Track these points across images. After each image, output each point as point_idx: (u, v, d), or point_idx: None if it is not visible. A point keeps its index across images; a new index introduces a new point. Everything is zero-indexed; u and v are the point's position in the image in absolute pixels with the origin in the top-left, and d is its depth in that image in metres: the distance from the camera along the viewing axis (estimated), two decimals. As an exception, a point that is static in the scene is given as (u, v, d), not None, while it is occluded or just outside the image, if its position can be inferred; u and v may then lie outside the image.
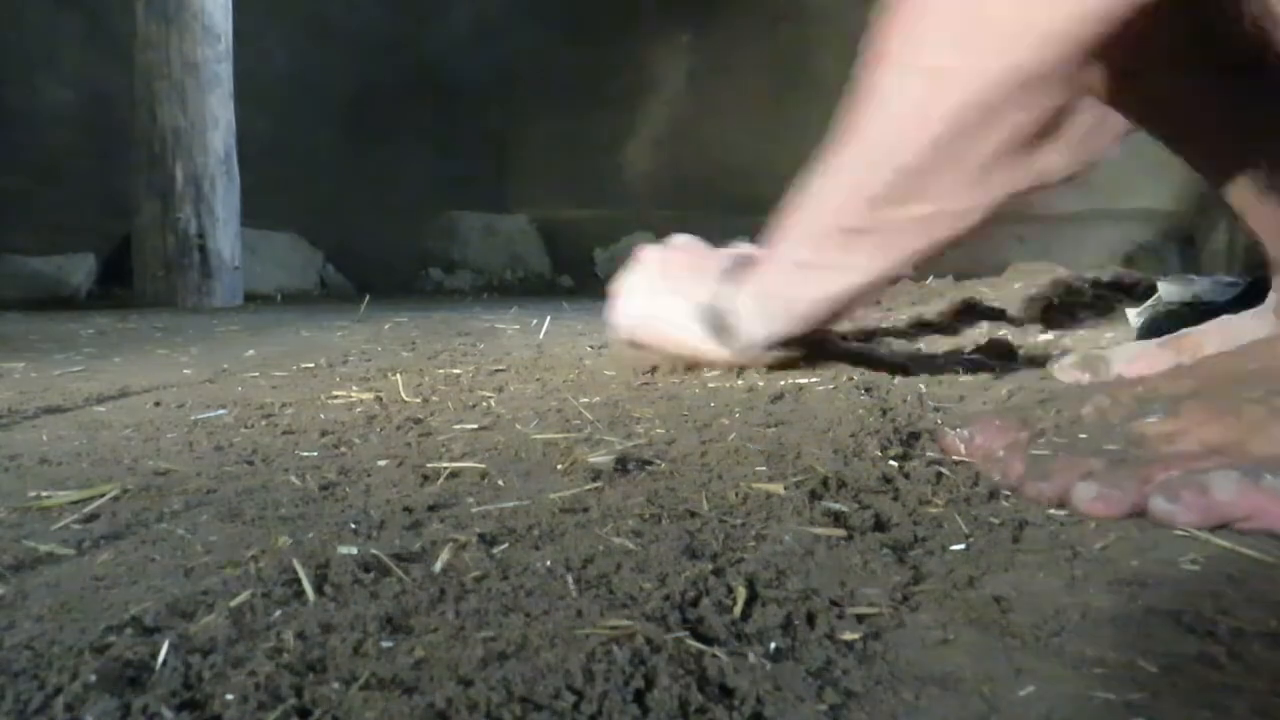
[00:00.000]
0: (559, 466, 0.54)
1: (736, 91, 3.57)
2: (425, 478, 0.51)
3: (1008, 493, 0.52)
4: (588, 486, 0.49)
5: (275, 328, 1.61)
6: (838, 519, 0.46)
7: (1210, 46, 0.63)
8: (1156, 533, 0.46)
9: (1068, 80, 0.67)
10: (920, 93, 0.71)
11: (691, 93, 3.74)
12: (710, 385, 0.81)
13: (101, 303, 2.36)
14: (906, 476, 0.53)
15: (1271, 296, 0.79)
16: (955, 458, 0.56)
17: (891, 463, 0.55)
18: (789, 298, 0.82)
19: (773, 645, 0.32)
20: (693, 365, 0.87)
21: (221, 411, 0.71)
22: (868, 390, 0.77)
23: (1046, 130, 0.70)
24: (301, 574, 0.35)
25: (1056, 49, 0.64)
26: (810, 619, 0.35)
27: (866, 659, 0.33)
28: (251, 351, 1.21)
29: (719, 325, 0.84)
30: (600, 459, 0.53)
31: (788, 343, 0.84)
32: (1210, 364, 0.58)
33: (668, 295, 0.87)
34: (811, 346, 0.87)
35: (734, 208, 3.59)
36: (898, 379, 0.83)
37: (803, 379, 0.82)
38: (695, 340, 0.85)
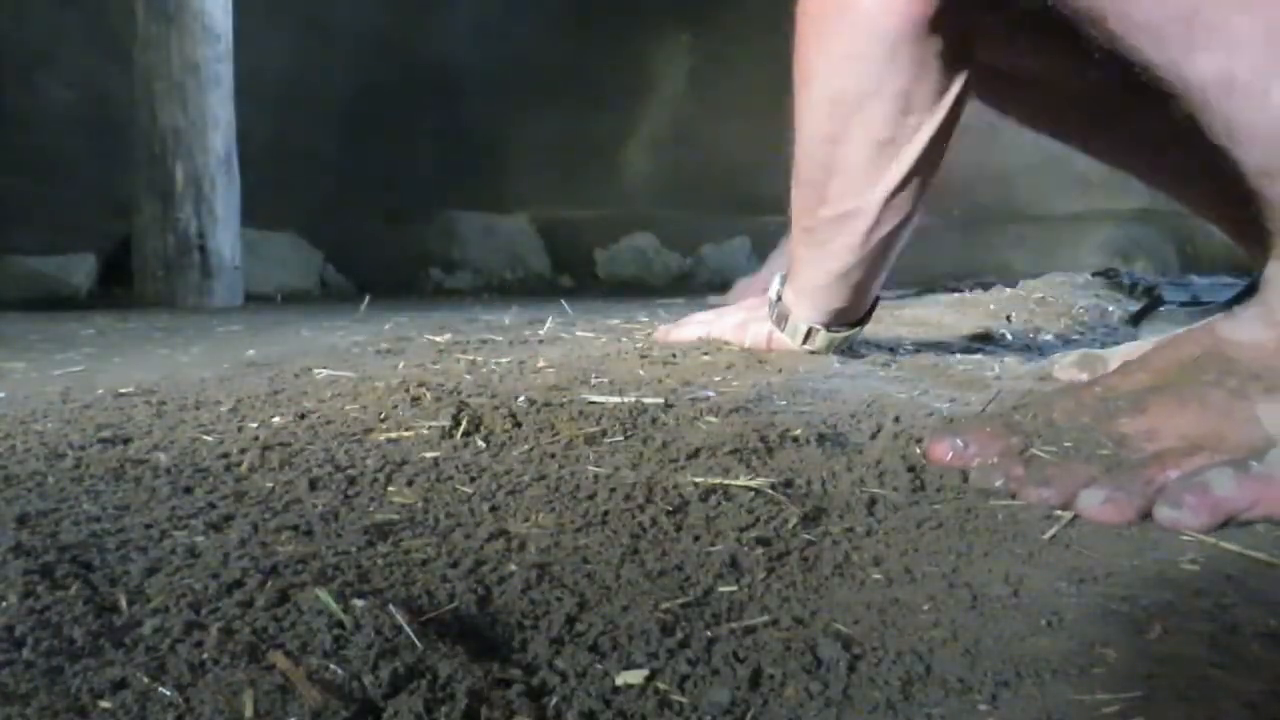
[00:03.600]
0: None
1: (736, 91, 3.56)
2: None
3: (1006, 498, 0.52)
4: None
5: (276, 328, 1.61)
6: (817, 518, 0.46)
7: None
8: (1155, 533, 0.46)
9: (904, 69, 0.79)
10: (800, 115, 0.87)
11: (691, 92, 3.74)
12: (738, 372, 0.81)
13: (101, 303, 2.36)
14: (896, 476, 0.53)
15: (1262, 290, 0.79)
16: (942, 464, 0.56)
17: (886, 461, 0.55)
18: (808, 286, 0.94)
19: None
20: (767, 350, 0.97)
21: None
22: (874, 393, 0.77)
23: (910, 107, 0.81)
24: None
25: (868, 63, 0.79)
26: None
27: (859, 657, 0.33)
28: (252, 351, 1.21)
29: (780, 318, 0.97)
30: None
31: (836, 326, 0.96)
32: (1154, 356, 0.59)
33: (735, 311, 1.07)
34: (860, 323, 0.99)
35: (734, 208, 3.59)
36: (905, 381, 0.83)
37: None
38: (766, 331, 0.98)
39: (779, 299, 0.97)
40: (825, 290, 0.93)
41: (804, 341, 0.96)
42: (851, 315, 0.97)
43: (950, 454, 0.56)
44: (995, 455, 0.55)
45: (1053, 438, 0.55)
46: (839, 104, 0.82)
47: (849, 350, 0.99)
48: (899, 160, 0.84)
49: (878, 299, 1.00)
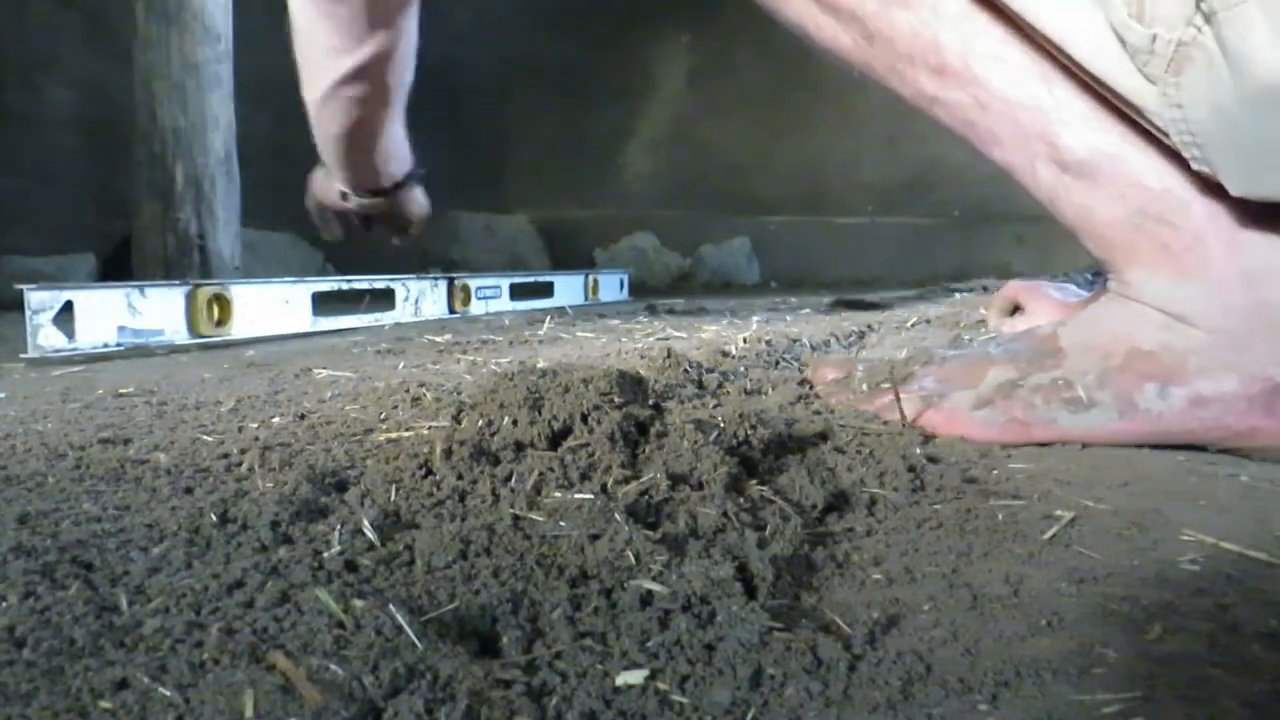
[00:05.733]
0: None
1: (736, 91, 3.57)
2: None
3: (1007, 498, 0.52)
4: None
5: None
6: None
7: None
8: (1156, 533, 0.46)
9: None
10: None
11: (691, 93, 3.74)
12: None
13: (101, 303, 2.35)
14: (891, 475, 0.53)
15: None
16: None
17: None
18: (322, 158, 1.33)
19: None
20: None
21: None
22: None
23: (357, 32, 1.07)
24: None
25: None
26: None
27: (859, 657, 0.33)
28: (252, 351, 1.21)
29: None
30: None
31: None
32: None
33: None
34: None
35: (734, 208, 3.58)
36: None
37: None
38: None
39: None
40: (330, 161, 1.23)
41: (344, 200, 1.30)
42: (366, 185, 1.28)
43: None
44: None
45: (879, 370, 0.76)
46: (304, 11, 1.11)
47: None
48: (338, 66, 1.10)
49: (410, 178, 1.30)
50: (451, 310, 1.79)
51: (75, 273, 2.53)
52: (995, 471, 0.57)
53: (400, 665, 0.30)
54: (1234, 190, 0.56)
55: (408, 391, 0.77)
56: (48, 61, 2.72)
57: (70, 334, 1.11)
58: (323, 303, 1.48)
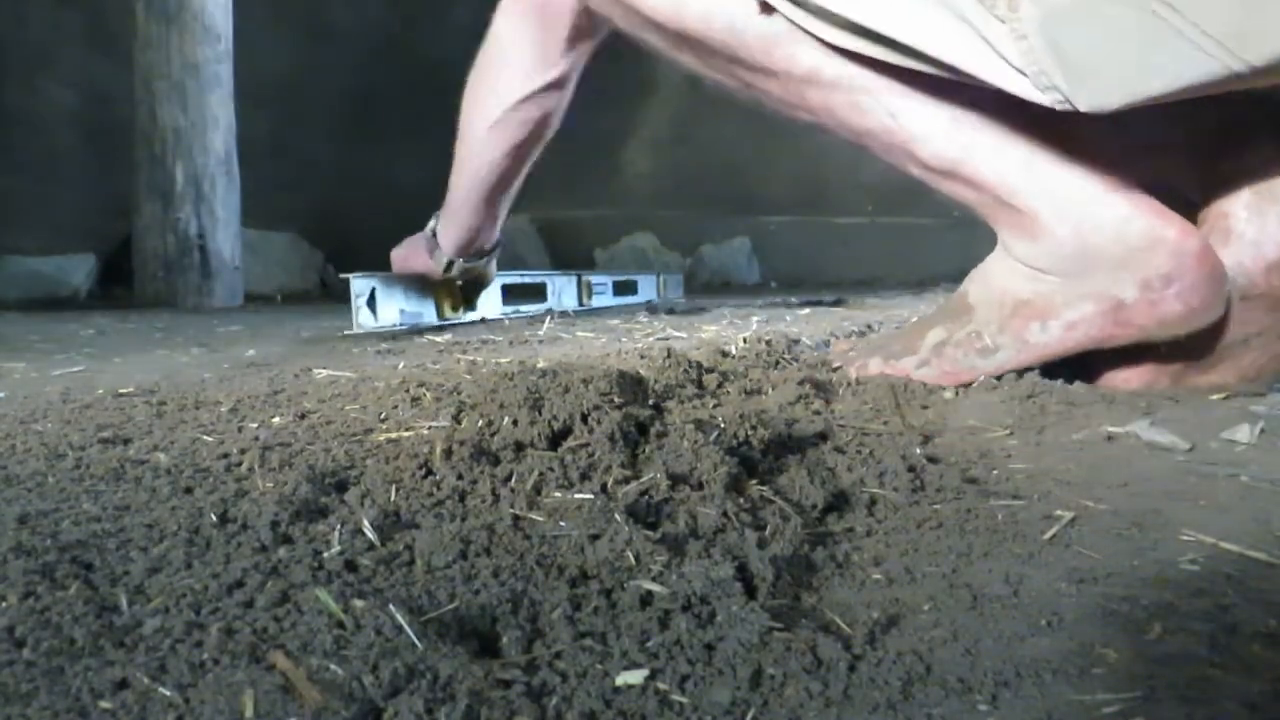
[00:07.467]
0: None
1: (736, 91, 3.56)
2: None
3: (1007, 498, 0.52)
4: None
5: (275, 328, 1.61)
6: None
7: None
8: (1156, 533, 0.46)
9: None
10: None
11: (691, 93, 3.74)
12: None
13: (101, 303, 2.36)
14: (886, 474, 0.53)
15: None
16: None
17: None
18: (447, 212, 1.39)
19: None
20: None
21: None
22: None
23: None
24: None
25: None
26: (810, 619, 0.34)
27: (859, 657, 0.33)
28: (252, 351, 1.21)
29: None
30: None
31: None
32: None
33: None
34: None
35: (734, 208, 3.58)
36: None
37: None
38: None
39: (434, 233, 1.37)
40: (465, 207, 1.27)
41: (447, 270, 1.38)
42: (477, 246, 1.36)
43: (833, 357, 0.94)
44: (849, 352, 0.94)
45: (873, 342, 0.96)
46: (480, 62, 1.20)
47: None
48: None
49: (498, 244, 1.40)
50: (580, 303, 2.08)
51: (75, 273, 2.53)
52: (995, 471, 0.57)
53: (400, 665, 0.30)
54: (1084, 107, 0.67)
55: (408, 391, 0.77)
56: (48, 61, 2.72)
57: (375, 315, 1.44)
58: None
